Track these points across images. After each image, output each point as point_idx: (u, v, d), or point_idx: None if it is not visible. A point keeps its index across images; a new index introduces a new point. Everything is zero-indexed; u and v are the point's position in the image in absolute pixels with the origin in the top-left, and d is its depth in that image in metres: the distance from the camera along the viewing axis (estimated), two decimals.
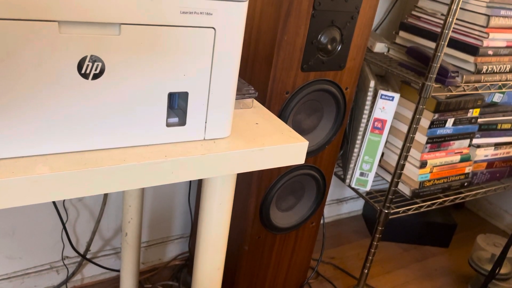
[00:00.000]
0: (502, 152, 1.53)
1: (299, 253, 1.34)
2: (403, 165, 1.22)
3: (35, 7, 0.47)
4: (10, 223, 1.22)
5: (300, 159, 0.71)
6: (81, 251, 1.37)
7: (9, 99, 0.50)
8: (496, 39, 1.21)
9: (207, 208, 0.74)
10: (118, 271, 1.46)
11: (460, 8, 1.22)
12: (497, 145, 1.50)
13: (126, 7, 0.51)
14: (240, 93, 0.75)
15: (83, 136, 0.56)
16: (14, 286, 1.30)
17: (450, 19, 1.04)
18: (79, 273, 1.40)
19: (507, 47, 1.24)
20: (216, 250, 0.78)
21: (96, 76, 0.53)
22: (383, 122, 1.28)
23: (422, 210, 1.36)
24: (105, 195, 1.32)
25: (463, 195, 1.45)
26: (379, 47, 1.39)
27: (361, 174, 1.37)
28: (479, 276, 1.58)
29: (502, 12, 1.18)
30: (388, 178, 1.43)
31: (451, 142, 1.40)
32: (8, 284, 1.28)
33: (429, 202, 1.38)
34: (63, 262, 1.35)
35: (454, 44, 1.23)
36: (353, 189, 1.42)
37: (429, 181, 1.38)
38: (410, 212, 1.34)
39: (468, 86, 1.20)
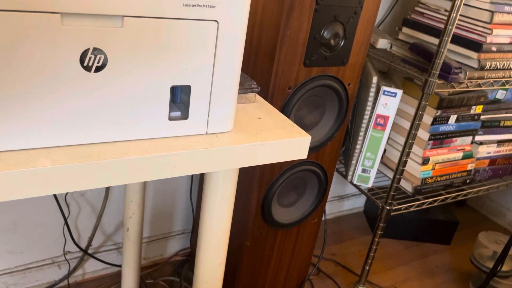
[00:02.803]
0: (505, 149, 1.53)
1: (301, 249, 1.34)
2: (405, 162, 1.22)
3: None
4: (12, 217, 1.22)
5: (303, 154, 0.70)
6: (83, 246, 1.37)
7: (11, 91, 0.49)
8: (500, 36, 1.20)
9: (209, 203, 0.73)
10: (120, 266, 1.46)
11: (464, 4, 1.21)
12: (499, 142, 1.50)
13: None
14: (243, 88, 0.75)
15: (85, 129, 0.55)
16: (16, 281, 1.30)
17: (454, 15, 1.04)
18: (81, 268, 1.40)
19: (510, 43, 1.23)
20: (218, 246, 0.78)
21: (98, 69, 0.53)
22: (385, 118, 1.28)
23: (424, 207, 1.36)
24: (107, 190, 1.32)
25: (465, 192, 1.45)
26: (382, 43, 1.38)
27: (363, 170, 1.36)
28: (480, 274, 1.58)
29: (506, 8, 1.17)
30: (390, 174, 1.43)
31: (454, 139, 1.39)
32: (10, 279, 1.29)
33: (431, 199, 1.38)
34: (65, 257, 1.36)
35: (458, 40, 1.23)
36: (355, 185, 1.42)
37: (431, 178, 1.38)
38: (412, 209, 1.34)
39: (471, 82, 1.19)
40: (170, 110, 0.60)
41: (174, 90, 0.61)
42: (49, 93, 0.51)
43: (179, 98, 0.63)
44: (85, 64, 0.52)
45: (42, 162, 0.51)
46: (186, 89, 0.60)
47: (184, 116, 0.62)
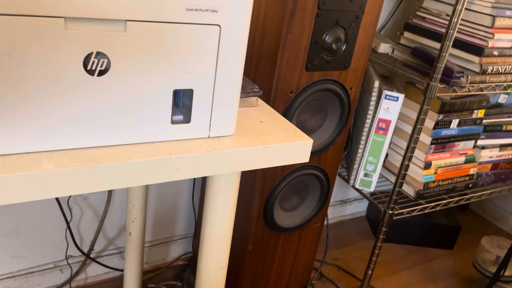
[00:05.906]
0: (507, 154, 1.52)
1: (303, 253, 1.33)
2: (408, 166, 1.22)
3: (41, 3, 0.47)
4: (15, 221, 1.22)
5: (305, 158, 0.70)
6: (85, 250, 1.37)
7: (14, 95, 0.50)
8: (501, 40, 1.20)
9: (211, 207, 0.74)
10: (122, 270, 1.46)
11: (465, 9, 1.21)
12: (502, 147, 1.50)
13: (132, 4, 0.51)
14: (245, 92, 0.75)
15: (88, 133, 0.56)
16: (18, 285, 1.30)
17: (455, 20, 1.04)
18: (83, 272, 1.40)
19: None
20: (220, 250, 0.78)
21: (101, 73, 0.53)
22: (387, 122, 1.28)
23: (426, 211, 1.36)
24: (109, 194, 1.33)
25: (467, 196, 1.45)
26: (384, 47, 1.39)
27: (365, 175, 1.36)
28: (483, 278, 1.57)
29: (508, 13, 1.18)
30: (392, 179, 1.43)
31: (456, 143, 1.39)
32: (12, 283, 1.29)
33: (433, 204, 1.37)
34: (67, 261, 1.36)
35: (459, 44, 1.23)
36: (357, 190, 1.41)
37: (434, 182, 1.38)
38: (414, 214, 1.33)
39: (473, 86, 1.19)
40: (173, 114, 0.60)
41: (176, 93, 0.62)
42: (52, 97, 0.52)
43: (182, 102, 0.63)
44: (88, 68, 0.52)
45: (45, 166, 0.52)
46: (189, 93, 0.60)
47: (187, 120, 0.62)
